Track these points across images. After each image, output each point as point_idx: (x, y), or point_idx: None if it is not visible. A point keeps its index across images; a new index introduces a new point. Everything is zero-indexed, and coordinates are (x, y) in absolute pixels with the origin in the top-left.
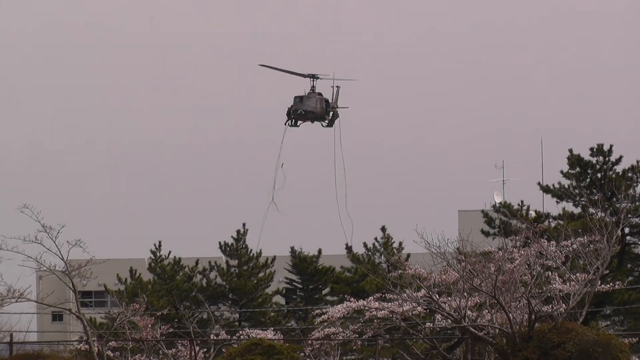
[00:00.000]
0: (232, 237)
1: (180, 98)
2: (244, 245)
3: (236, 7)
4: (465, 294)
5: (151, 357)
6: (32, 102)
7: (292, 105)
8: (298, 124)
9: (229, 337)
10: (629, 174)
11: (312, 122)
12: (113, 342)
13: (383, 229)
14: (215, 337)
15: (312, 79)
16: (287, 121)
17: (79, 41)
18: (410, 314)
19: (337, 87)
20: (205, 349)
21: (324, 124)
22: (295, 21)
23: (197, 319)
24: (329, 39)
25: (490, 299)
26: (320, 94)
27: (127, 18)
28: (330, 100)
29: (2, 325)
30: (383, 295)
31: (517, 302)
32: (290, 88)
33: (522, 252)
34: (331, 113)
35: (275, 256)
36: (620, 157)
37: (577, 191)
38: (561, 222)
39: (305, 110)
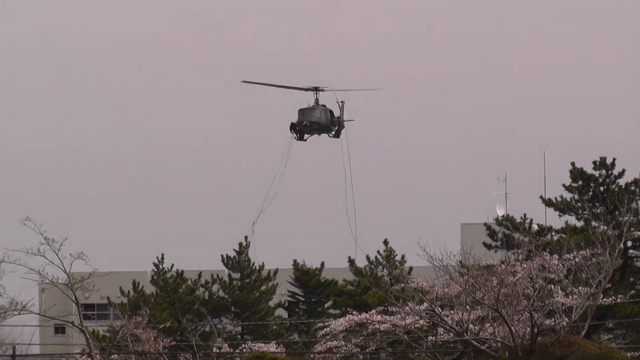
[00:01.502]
0: (234, 250)
1: (182, 108)
2: (246, 258)
3: (240, 16)
4: (467, 307)
5: None
6: (32, 111)
7: (297, 119)
8: (305, 138)
9: (231, 350)
10: (632, 188)
11: (319, 134)
12: (115, 355)
13: (385, 242)
14: (217, 350)
15: (315, 92)
16: (294, 135)
17: (80, 45)
18: (413, 327)
19: (342, 102)
20: None
21: (331, 135)
22: (297, 28)
23: (199, 332)
24: (332, 48)
25: (492, 312)
26: (324, 105)
27: (128, 21)
28: (335, 113)
29: (4, 338)
30: (385, 309)
31: (520, 315)
32: (293, 100)
33: (525, 265)
34: (337, 125)
35: (277, 269)
36: (623, 170)
37: (579, 204)
38: (563, 235)
39: (310, 122)
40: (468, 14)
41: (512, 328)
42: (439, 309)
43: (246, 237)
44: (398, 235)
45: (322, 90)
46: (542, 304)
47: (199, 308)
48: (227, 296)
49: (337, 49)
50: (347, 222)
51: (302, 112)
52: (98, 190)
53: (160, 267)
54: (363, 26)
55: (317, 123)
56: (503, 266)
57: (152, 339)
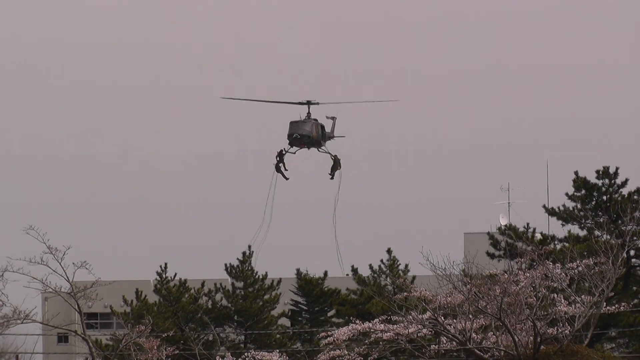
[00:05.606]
0: (237, 259)
1: (187, 118)
2: (249, 267)
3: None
4: (470, 316)
5: None
6: (35, 119)
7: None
8: (294, 151)
9: (234, 359)
10: (635, 197)
11: (309, 148)
12: None
13: (389, 251)
14: (220, 359)
15: (308, 105)
16: (279, 159)
17: (85, 53)
18: (416, 336)
19: (334, 117)
20: None
21: (321, 149)
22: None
23: (202, 341)
24: (333, 63)
25: (495, 321)
26: (315, 119)
27: (130, 27)
28: (326, 129)
29: (8, 347)
30: (389, 318)
31: (523, 324)
32: (289, 114)
33: (528, 274)
34: (328, 140)
35: (280, 278)
36: (626, 179)
37: (582, 214)
38: (566, 244)
39: (301, 135)
40: (469, 23)
41: (515, 337)
42: (442, 318)
43: (250, 247)
44: (401, 244)
45: (315, 103)
46: (545, 313)
47: (202, 317)
48: (230, 305)
49: (331, 61)
50: (342, 234)
51: (293, 124)
52: (101, 200)
53: (164, 276)
54: (361, 34)
55: (307, 136)
56: (506, 275)
57: (155, 348)
